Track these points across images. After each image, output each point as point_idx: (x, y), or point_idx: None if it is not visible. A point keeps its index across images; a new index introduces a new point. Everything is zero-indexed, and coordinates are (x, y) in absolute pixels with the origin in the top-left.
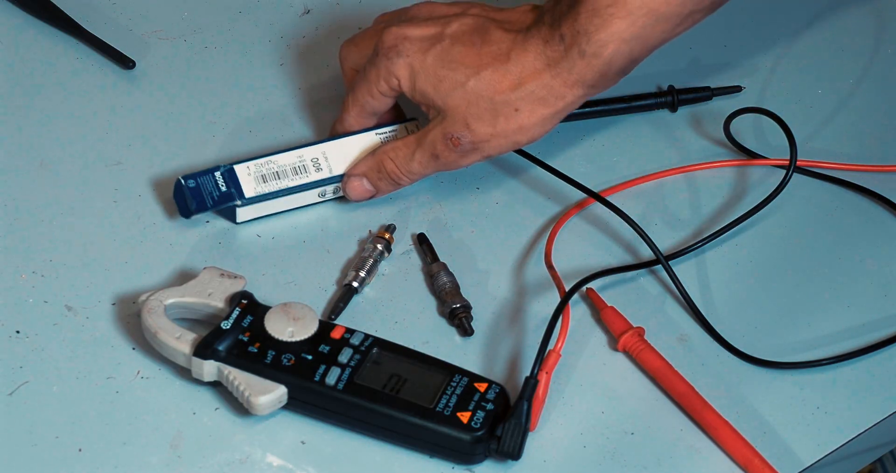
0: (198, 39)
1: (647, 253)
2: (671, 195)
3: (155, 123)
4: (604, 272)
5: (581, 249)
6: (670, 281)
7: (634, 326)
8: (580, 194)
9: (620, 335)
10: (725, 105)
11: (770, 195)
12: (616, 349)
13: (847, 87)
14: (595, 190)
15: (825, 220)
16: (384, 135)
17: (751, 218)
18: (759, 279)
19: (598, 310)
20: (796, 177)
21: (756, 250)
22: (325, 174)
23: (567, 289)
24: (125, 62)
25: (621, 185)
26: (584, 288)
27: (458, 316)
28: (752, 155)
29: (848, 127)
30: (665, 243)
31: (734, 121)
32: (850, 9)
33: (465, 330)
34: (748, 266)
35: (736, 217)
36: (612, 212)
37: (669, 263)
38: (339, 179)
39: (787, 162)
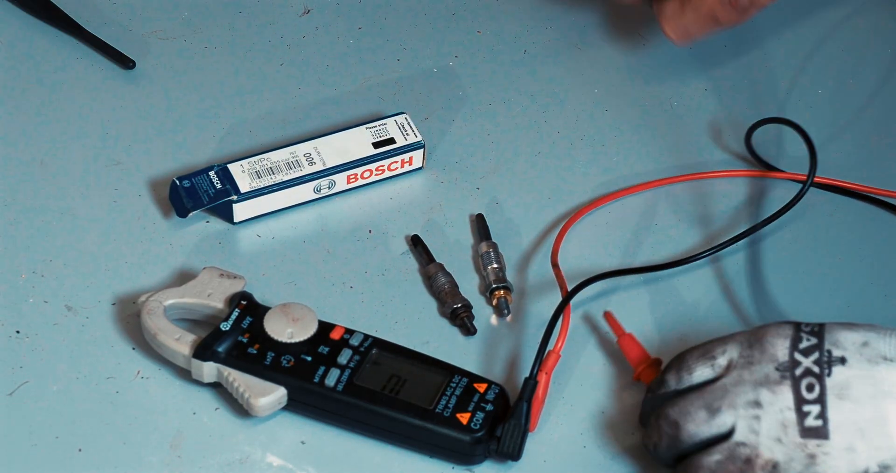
0: (198, 39)
1: (650, 257)
2: (686, 201)
3: (155, 123)
4: (607, 274)
5: (584, 251)
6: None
7: (652, 356)
8: (583, 197)
9: (638, 365)
10: (748, 116)
11: (783, 208)
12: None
13: (863, 100)
14: (606, 192)
15: (837, 231)
16: (374, 128)
17: (765, 227)
18: (765, 288)
19: (616, 336)
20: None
21: (767, 259)
22: (318, 167)
23: (569, 289)
24: (125, 62)
25: (635, 187)
26: (603, 312)
27: (460, 316)
28: (771, 168)
29: (863, 142)
30: (679, 248)
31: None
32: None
33: (468, 330)
34: (756, 275)
35: (747, 228)
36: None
37: (680, 267)
38: (333, 171)
39: (805, 177)
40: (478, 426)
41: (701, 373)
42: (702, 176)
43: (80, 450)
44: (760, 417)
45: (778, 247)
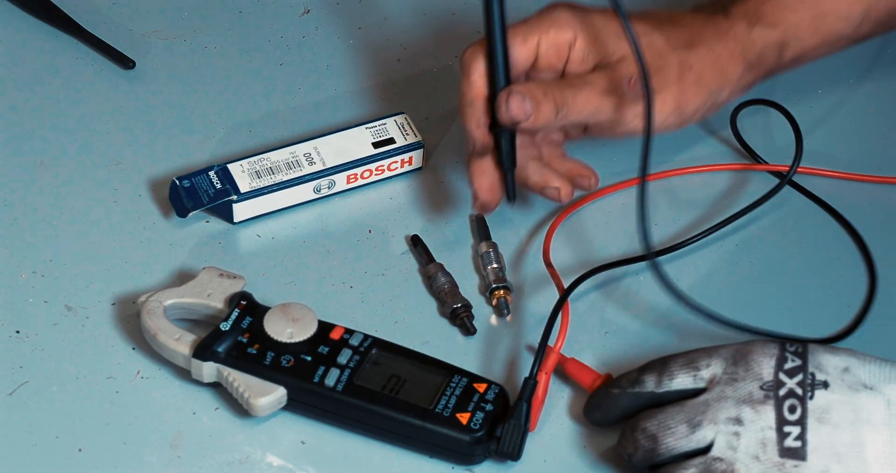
0: (198, 39)
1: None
2: (675, 193)
3: (155, 123)
4: (602, 268)
5: (582, 247)
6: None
7: (602, 374)
8: (582, 194)
9: (592, 385)
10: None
11: (757, 201)
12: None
13: (847, 87)
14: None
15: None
16: (374, 128)
17: (747, 218)
18: (754, 280)
19: (561, 364)
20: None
21: (753, 251)
22: (318, 167)
23: (566, 286)
24: (125, 62)
25: (628, 182)
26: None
27: (460, 316)
28: (754, 155)
29: (848, 131)
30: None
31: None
32: None
33: (468, 329)
34: (747, 266)
35: (726, 217)
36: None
37: (674, 253)
38: (333, 171)
39: (788, 168)
40: (477, 425)
41: (681, 381)
42: (696, 170)
43: (80, 450)
44: (740, 434)
45: (760, 236)
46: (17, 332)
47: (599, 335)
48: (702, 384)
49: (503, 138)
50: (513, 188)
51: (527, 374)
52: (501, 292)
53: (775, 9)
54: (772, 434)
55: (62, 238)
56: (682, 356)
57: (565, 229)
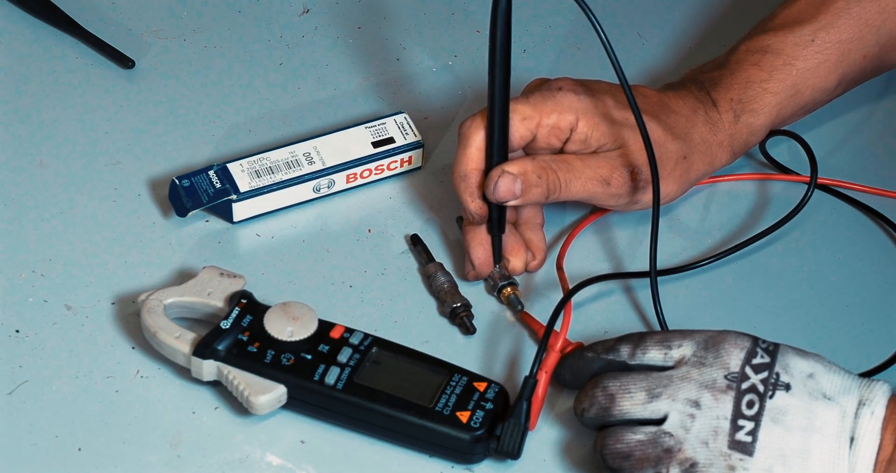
0: (198, 39)
1: (660, 260)
2: (697, 205)
3: (154, 123)
4: (611, 276)
5: (592, 255)
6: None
7: (574, 342)
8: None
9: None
10: None
11: (781, 220)
12: None
13: (871, 102)
14: None
15: (837, 242)
16: (374, 128)
17: (765, 236)
18: (758, 296)
19: (535, 331)
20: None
21: (766, 265)
22: (317, 167)
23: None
24: (125, 62)
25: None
26: (520, 313)
27: (460, 315)
28: (784, 170)
29: (869, 146)
30: (687, 254)
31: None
32: None
33: (468, 329)
34: (761, 282)
35: (751, 236)
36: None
37: (694, 269)
38: (332, 171)
39: (808, 179)
40: (477, 424)
41: (653, 356)
42: (710, 181)
43: (79, 450)
44: (696, 417)
45: (778, 251)
46: (17, 331)
47: (600, 335)
48: (670, 364)
49: (493, 208)
50: (499, 252)
51: (527, 373)
52: (509, 289)
53: (757, 95)
54: (725, 424)
55: (62, 238)
56: (659, 334)
57: (589, 237)
